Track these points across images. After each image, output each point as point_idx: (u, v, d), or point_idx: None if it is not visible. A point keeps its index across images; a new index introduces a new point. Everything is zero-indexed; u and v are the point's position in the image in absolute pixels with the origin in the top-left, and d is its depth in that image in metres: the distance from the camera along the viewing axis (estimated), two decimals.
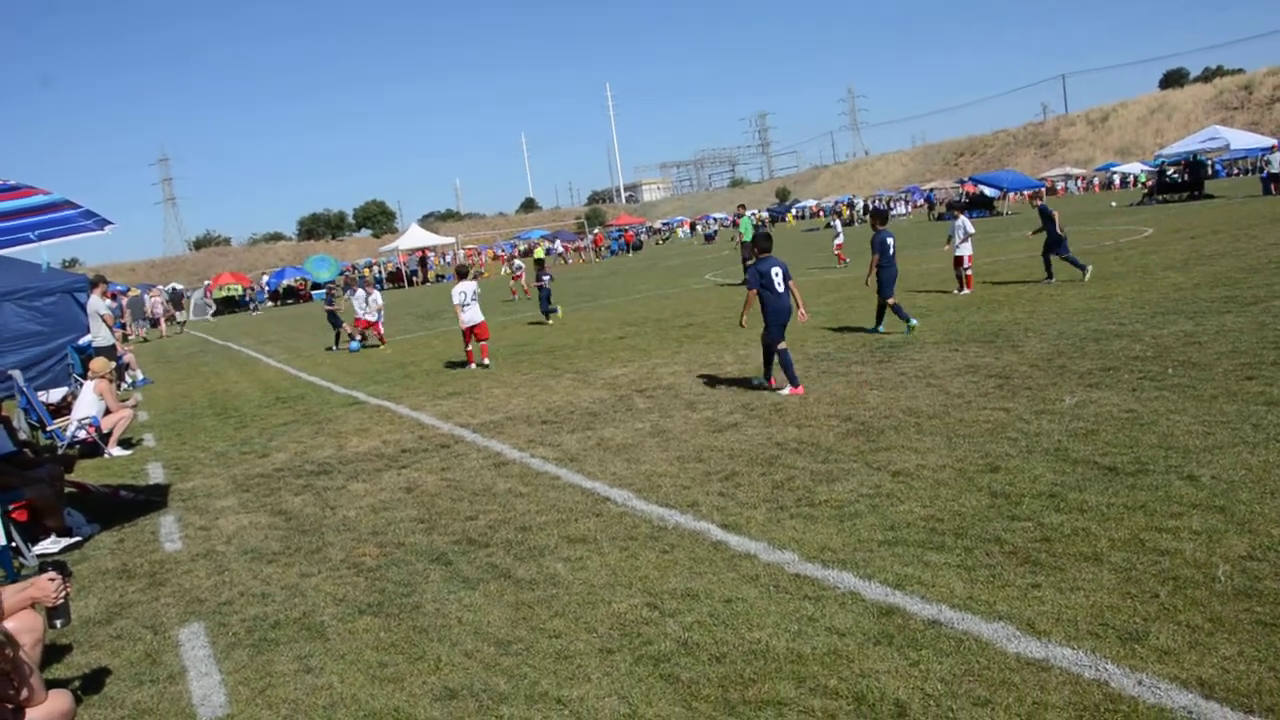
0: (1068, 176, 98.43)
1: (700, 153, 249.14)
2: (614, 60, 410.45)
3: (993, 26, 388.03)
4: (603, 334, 18.50)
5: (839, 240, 31.08)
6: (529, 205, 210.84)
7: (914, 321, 13.69)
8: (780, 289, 10.80)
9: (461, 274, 16.71)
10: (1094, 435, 7.57)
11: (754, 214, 32.34)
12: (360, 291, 22.50)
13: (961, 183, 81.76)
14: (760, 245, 11.25)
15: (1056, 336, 12.15)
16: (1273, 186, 46.77)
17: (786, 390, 10.52)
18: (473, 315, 15.79)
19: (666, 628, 5.00)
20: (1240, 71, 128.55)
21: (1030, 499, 6.27)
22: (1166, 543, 5.34)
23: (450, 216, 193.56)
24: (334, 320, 23.44)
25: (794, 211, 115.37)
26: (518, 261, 34.52)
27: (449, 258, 79.43)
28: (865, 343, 13.30)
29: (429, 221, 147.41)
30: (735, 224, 34.04)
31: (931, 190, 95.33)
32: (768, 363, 11.01)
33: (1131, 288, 16.13)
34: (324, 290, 60.24)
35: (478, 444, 9.96)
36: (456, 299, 15.87)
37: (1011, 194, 64.62)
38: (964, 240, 18.03)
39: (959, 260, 18.17)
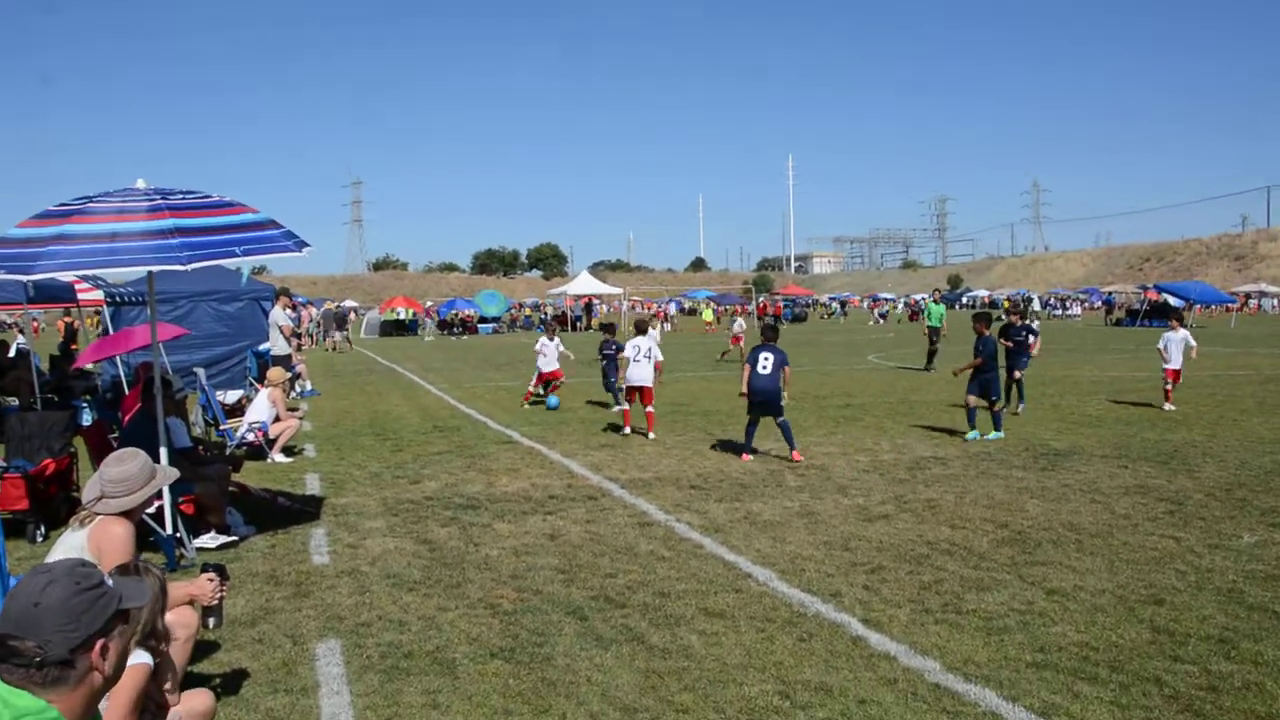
0: (1263, 294, 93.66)
1: (875, 230, 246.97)
2: (797, 131, 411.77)
3: (1189, 129, 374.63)
4: None
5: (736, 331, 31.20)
6: (698, 264, 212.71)
7: (974, 434, 13.68)
8: (763, 370, 12.08)
9: (640, 329, 15.34)
10: (1275, 581, 7.08)
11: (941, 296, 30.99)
12: (551, 340, 18.75)
13: (1144, 289, 78.76)
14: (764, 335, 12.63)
15: (1238, 466, 11.48)
16: None
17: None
18: (641, 374, 14.30)
19: None
20: None
21: (1197, 640, 5.90)
22: None
23: (620, 267, 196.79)
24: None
25: (965, 300, 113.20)
26: (740, 321, 32.95)
27: (617, 307, 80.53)
28: (1029, 447, 12.85)
29: (599, 269, 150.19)
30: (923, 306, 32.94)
31: (1111, 294, 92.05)
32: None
33: None
34: (491, 324, 62.08)
35: (625, 500, 9.99)
36: (629, 352, 14.59)
37: (1198, 306, 61.91)
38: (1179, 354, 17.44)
39: (1176, 374, 17.41)
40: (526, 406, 18.25)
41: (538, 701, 5.15)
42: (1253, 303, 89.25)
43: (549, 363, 18.51)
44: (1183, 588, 6.91)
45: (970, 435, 13.37)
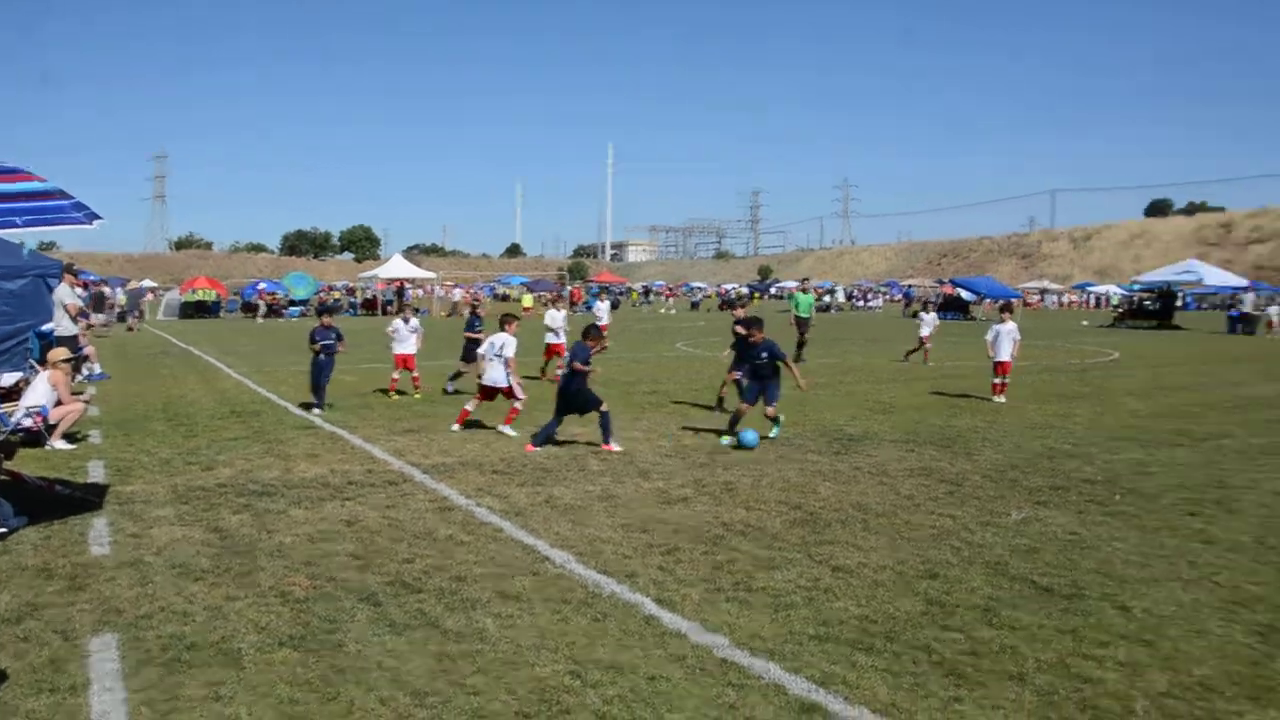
0: (1045, 291, 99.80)
1: (690, 221, 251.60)
2: (617, 122, 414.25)
3: (982, 135, 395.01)
4: None
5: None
6: (514, 250, 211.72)
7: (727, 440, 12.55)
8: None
9: (504, 322, 13.29)
10: (1035, 554, 7.63)
11: (813, 287, 31.08)
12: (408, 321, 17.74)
13: (941, 283, 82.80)
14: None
15: (1012, 449, 12.26)
16: (1239, 326, 47.61)
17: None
18: (494, 375, 13.01)
19: (586, 699, 4.97)
20: (1222, 210, 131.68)
21: (964, 610, 6.30)
22: (1091, 670, 5.39)
23: (434, 251, 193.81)
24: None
25: (773, 290, 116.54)
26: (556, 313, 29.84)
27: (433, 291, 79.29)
28: (825, 432, 13.36)
29: (413, 254, 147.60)
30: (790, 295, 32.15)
31: (910, 287, 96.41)
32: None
33: (1091, 409, 16.31)
34: (299, 308, 60.11)
35: (426, 485, 9.89)
36: (484, 349, 13.23)
37: (988, 300, 65.46)
38: (1005, 345, 17.33)
39: (1006, 367, 17.30)
40: (394, 397, 17.13)
41: (326, 689, 5.07)
42: (1034, 298, 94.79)
43: (405, 345, 17.24)
44: (956, 562, 7.35)
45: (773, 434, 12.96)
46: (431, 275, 77.85)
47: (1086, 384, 20.78)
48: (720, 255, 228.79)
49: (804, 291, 27.50)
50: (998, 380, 17.30)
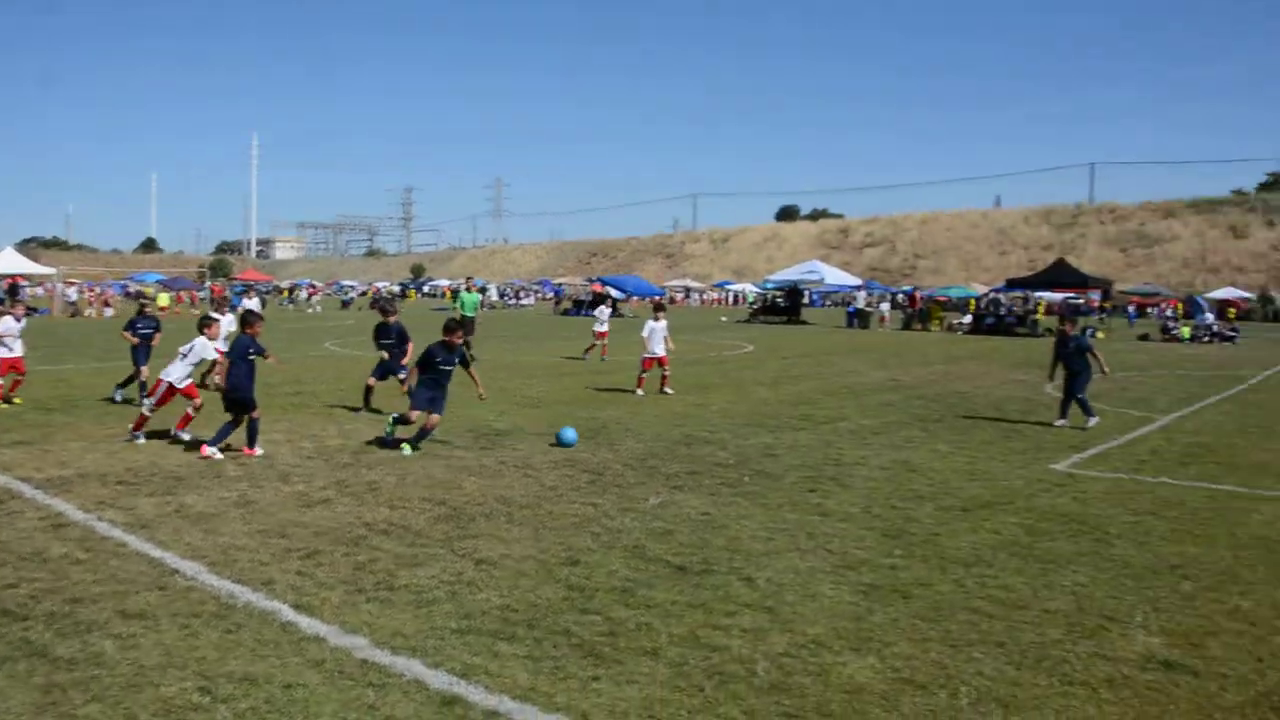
0: (689, 289, 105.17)
1: (340, 218, 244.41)
2: (263, 112, 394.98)
3: (630, 138, 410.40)
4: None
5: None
6: (149, 245, 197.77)
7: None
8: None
9: (202, 326, 12.26)
10: (670, 535, 8.04)
11: (476, 284, 30.52)
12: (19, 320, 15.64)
13: (590, 281, 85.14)
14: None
15: (653, 438, 12.84)
16: (855, 320, 52.26)
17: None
18: (176, 373, 12.00)
19: (216, 715, 4.73)
20: (841, 216, 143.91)
21: (603, 593, 6.54)
22: (719, 639, 5.74)
23: (56, 244, 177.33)
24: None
25: (426, 288, 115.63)
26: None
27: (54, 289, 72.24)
28: (473, 428, 13.41)
29: (29, 246, 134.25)
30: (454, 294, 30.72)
31: (560, 285, 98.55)
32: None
33: (726, 398, 17.38)
34: None
35: (37, 501, 9.02)
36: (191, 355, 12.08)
37: (634, 298, 68.11)
38: (658, 340, 17.89)
39: (655, 361, 17.90)
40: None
41: None
42: (679, 295, 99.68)
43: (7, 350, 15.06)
44: (595, 548, 7.61)
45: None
46: (51, 271, 70.97)
47: (723, 375, 22.11)
48: (372, 253, 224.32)
49: (468, 290, 27.34)
50: (645, 374, 17.97)
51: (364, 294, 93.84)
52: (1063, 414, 14.90)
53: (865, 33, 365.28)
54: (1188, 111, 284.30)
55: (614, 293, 69.55)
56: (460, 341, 12.06)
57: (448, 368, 11.89)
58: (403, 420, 11.90)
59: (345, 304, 79.20)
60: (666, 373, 18.08)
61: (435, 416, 11.79)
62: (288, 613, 6.09)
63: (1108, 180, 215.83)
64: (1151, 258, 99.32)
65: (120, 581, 6.70)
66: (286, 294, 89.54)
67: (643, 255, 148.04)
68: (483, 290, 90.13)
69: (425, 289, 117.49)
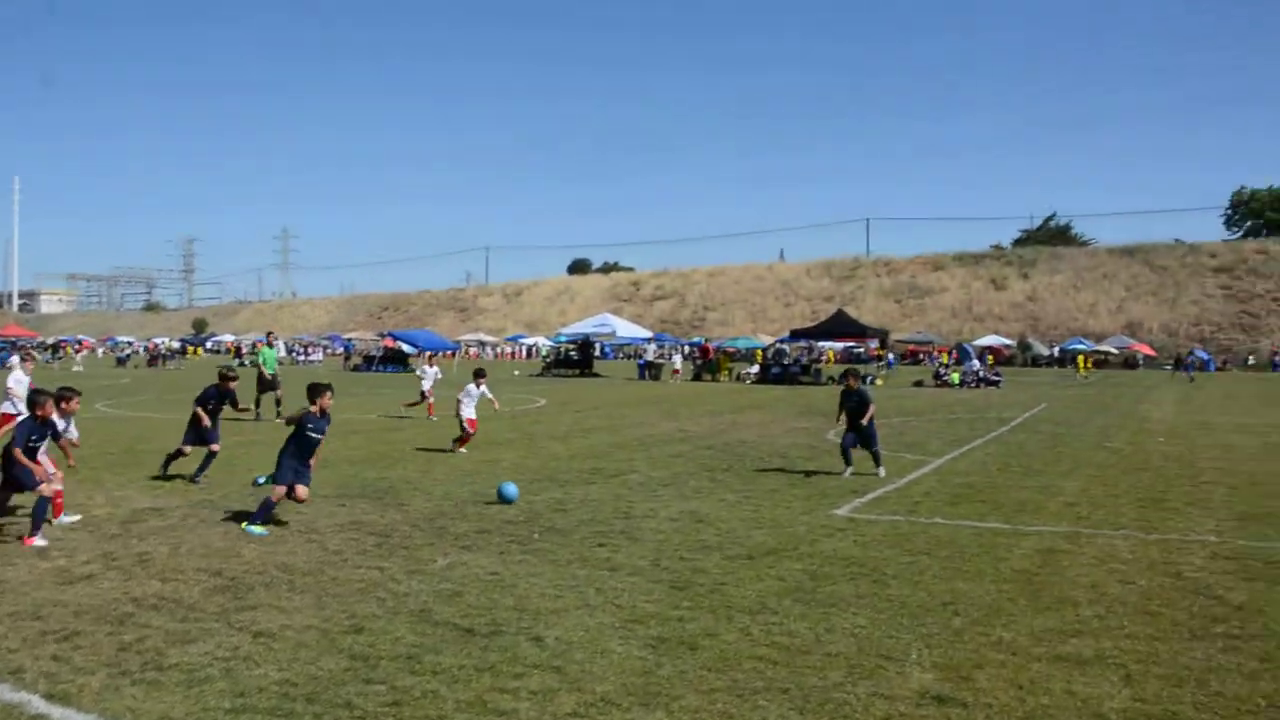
0: (482, 342, 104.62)
1: (116, 269, 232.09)
2: (27, 154, 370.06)
3: (420, 192, 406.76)
4: None
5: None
6: None
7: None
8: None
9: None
10: (459, 597, 7.89)
11: (277, 340, 29.26)
12: None
13: (382, 336, 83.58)
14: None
15: (442, 497, 12.62)
16: (647, 373, 53.12)
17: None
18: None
19: None
20: (632, 269, 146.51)
21: (388, 661, 6.34)
22: (506, 703, 5.65)
23: None
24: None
25: (209, 344, 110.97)
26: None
27: None
28: (254, 492, 12.82)
29: None
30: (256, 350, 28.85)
31: (350, 340, 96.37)
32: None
33: (517, 454, 17.30)
34: None
35: None
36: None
37: (427, 353, 67.17)
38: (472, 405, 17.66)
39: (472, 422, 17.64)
40: None
41: None
42: (473, 349, 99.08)
43: None
44: (381, 614, 7.38)
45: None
46: None
47: (515, 430, 22.00)
48: (150, 307, 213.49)
49: (269, 345, 26.45)
50: (471, 434, 17.63)
51: (142, 351, 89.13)
52: (847, 461, 15.08)
53: (652, 83, 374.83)
54: (952, 168, 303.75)
55: (406, 348, 68.48)
56: (329, 404, 11.22)
57: (318, 435, 11.08)
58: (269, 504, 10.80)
59: (121, 361, 75.03)
60: (471, 434, 17.80)
61: (301, 488, 10.81)
62: (38, 704, 5.62)
63: (882, 234, 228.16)
64: (923, 308, 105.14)
65: None
66: (51, 350, 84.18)
67: (435, 309, 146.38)
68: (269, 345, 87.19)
69: (209, 345, 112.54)
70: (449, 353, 77.07)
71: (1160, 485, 14.18)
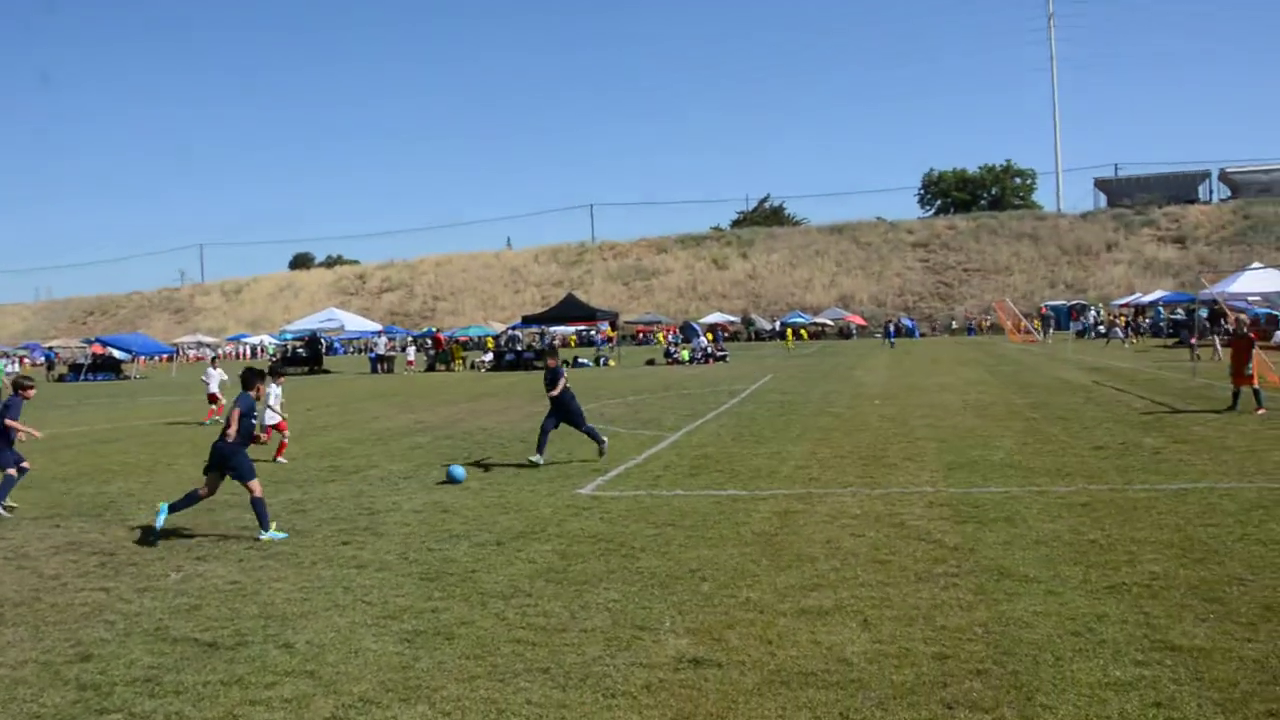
0: (200, 344, 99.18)
1: None
2: None
3: (126, 189, 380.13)
4: None
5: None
6: None
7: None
8: None
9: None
10: (197, 610, 7.46)
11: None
12: None
13: (90, 343, 77.75)
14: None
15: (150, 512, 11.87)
16: (379, 366, 51.96)
17: None
18: None
19: None
20: (357, 262, 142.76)
21: (123, 686, 5.91)
22: (259, 715, 5.41)
23: None
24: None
25: None
26: None
27: None
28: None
29: None
30: None
31: (52, 349, 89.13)
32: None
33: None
34: None
35: None
36: None
37: (142, 358, 63.11)
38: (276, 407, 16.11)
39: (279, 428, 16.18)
40: None
41: None
42: (192, 352, 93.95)
43: None
44: (111, 638, 6.88)
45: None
46: None
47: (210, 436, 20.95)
48: None
49: None
50: (285, 438, 16.31)
51: None
52: (540, 450, 14.43)
53: (368, 70, 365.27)
54: (669, 157, 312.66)
55: (118, 354, 64.06)
56: None
57: None
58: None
59: None
60: (285, 438, 16.41)
61: None
62: None
63: (606, 221, 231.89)
64: (650, 289, 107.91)
65: None
66: None
67: (148, 311, 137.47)
68: None
69: None
70: (165, 356, 72.63)
71: (880, 444, 15.17)
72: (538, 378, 38.82)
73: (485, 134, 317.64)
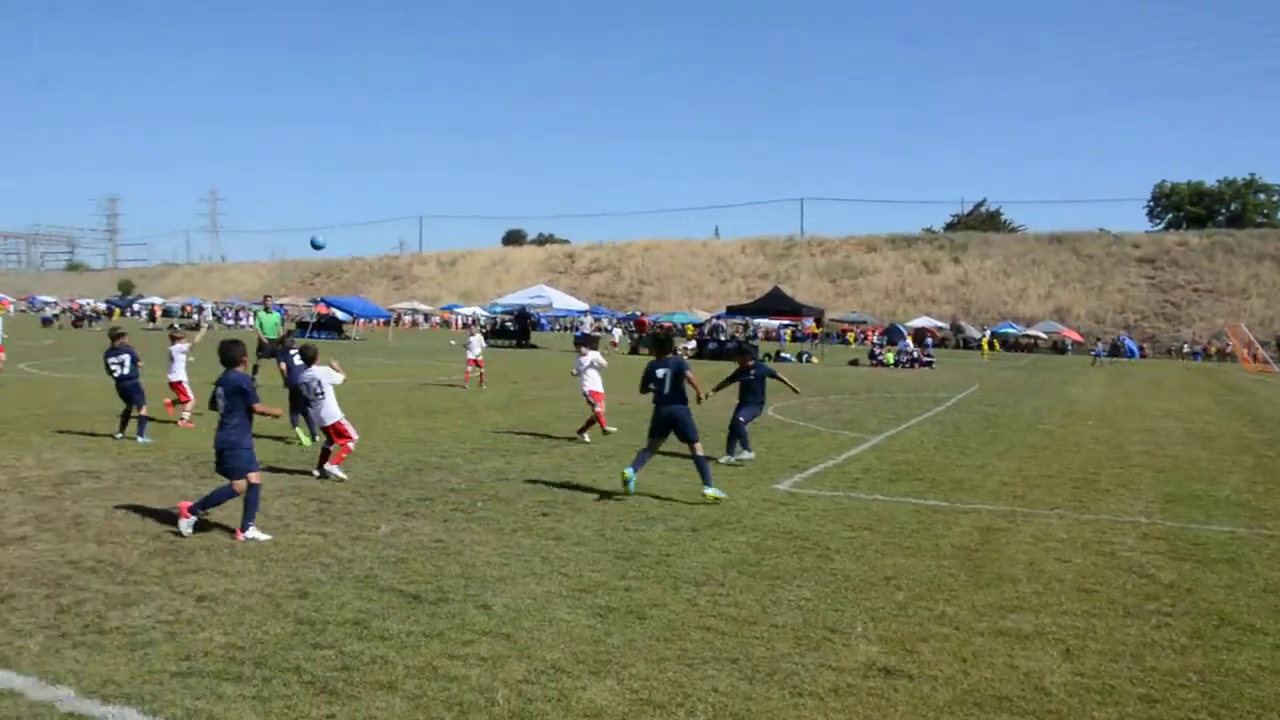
0: (415, 310, 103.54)
1: (35, 227, 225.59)
2: None
3: (354, 158, 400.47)
4: None
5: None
6: None
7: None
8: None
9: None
10: (404, 563, 7.83)
11: (280, 307, 28.92)
12: None
13: (315, 302, 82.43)
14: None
15: (383, 464, 12.50)
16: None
17: None
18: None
19: None
20: (567, 242, 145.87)
21: (335, 626, 6.28)
22: (457, 669, 5.62)
23: None
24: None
25: (136, 306, 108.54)
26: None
27: None
28: (190, 455, 12.63)
29: None
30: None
31: (283, 305, 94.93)
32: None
33: (457, 423, 17.18)
34: None
35: None
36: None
37: (361, 320, 66.46)
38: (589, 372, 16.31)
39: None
40: None
41: None
42: (406, 318, 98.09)
43: None
44: (325, 579, 7.31)
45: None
46: None
47: (454, 399, 21.84)
48: (73, 267, 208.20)
49: (266, 310, 25.83)
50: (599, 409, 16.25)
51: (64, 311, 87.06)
52: (729, 450, 13.96)
53: (591, 61, 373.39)
54: (883, 153, 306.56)
55: (339, 314, 67.66)
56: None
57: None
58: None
59: (46, 322, 73.25)
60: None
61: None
62: None
63: (815, 215, 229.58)
64: (857, 288, 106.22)
65: None
66: None
67: (369, 276, 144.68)
68: (199, 310, 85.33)
69: (136, 308, 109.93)
70: (381, 321, 76.23)
71: (1092, 467, 14.50)
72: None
73: (694, 123, 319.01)
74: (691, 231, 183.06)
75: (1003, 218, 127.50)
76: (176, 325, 21.85)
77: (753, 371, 14.68)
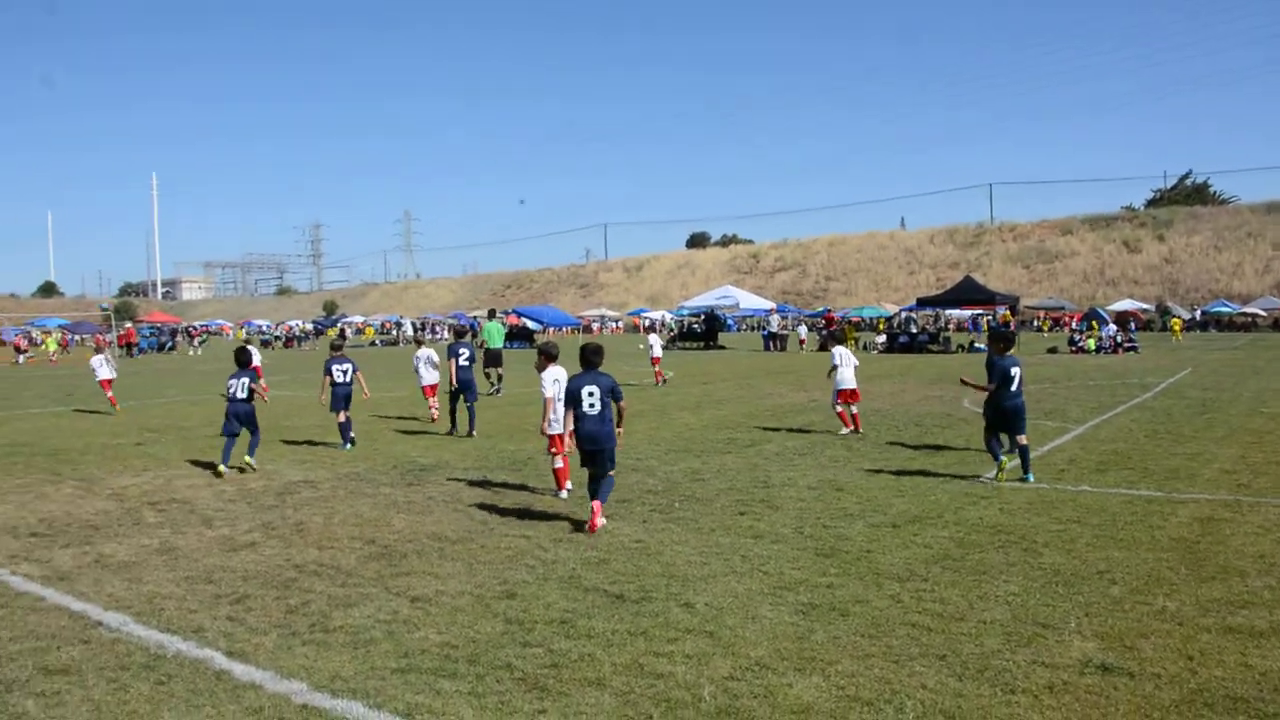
0: (604, 317, 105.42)
1: (248, 256, 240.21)
2: (161, 150, 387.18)
3: (536, 171, 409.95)
4: (118, 439, 16.98)
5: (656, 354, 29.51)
6: (49, 289, 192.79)
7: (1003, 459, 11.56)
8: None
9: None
10: (606, 564, 7.99)
11: (502, 316, 31.34)
12: None
13: (507, 314, 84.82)
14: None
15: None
16: (772, 344, 52.78)
17: None
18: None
19: None
20: (751, 242, 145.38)
21: (542, 625, 6.47)
22: (662, 666, 5.70)
23: None
24: None
25: (338, 325, 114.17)
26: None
27: None
28: (397, 465, 13.23)
29: None
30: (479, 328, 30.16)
31: (476, 318, 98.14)
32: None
33: (649, 425, 17.38)
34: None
35: None
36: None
37: (551, 328, 68.08)
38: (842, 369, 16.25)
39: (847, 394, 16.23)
40: None
41: None
42: (595, 326, 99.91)
43: None
44: (531, 580, 7.53)
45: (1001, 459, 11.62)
46: None
47: (645, 402, 22.10)
48: (283, 291, 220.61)
49: (491, 319, 27.23)
50: (852, 409, 16.41)
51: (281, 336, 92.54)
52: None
53: (767, 59, 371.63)
54: (1075, 130, 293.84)
55: (530, 324, 69.43)
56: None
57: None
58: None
59: (266, 343, 78.03)
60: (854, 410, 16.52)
61: None
62: (221, 660, 5.92)
63: (1005, 200, 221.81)
64: (1053, 273, 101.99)
65: (40, 637, 6.45)
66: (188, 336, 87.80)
67: (557, 286, 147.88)
68: (397, 326, 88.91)
69: (340, 326, 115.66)
70: (571, 328, 77.84)
71: None
72: (932, 361, 38.20)
73: (874, 115, 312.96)
74: (876, 224, 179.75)
75: (1211, 189, 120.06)
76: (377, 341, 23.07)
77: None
